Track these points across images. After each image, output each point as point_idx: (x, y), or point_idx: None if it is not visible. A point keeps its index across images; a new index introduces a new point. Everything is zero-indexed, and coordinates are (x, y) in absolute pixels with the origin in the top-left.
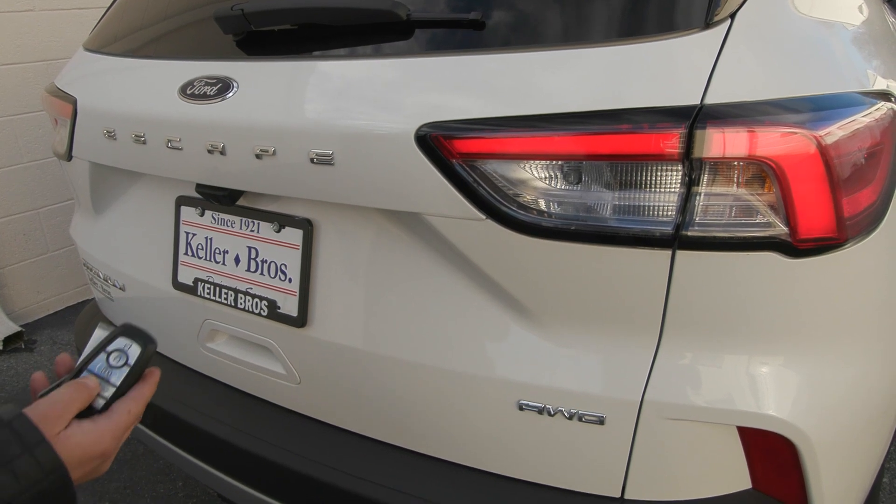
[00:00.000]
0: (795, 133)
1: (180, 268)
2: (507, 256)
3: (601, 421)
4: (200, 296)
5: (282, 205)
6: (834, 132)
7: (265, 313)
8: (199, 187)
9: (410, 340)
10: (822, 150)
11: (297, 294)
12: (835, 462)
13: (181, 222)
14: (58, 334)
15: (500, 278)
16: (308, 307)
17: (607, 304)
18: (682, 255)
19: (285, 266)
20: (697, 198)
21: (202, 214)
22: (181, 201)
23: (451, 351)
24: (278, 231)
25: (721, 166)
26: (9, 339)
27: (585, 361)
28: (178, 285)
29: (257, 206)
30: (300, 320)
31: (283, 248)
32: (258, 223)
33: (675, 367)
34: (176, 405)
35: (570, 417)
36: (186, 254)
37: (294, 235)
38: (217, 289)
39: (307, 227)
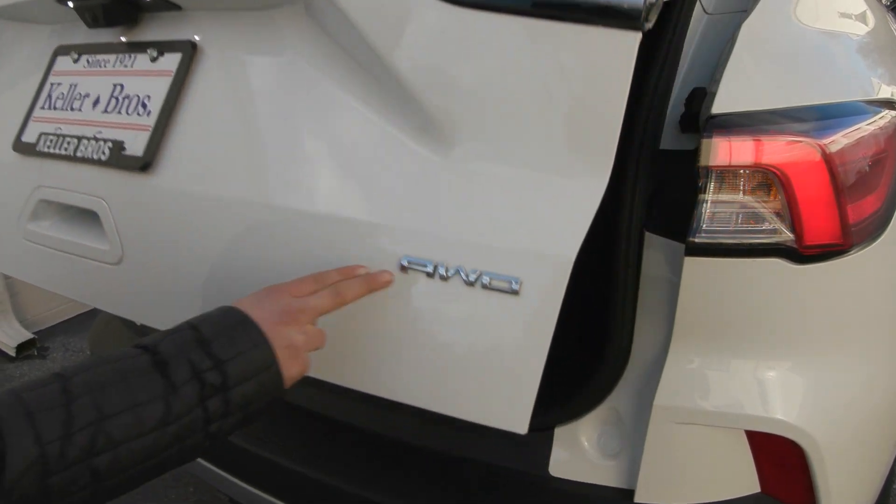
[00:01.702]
0: (800, 141)
1: (29, 125)
2: (415, 34)
3: (514, 289)
4: (39, 152)
5: (168, 31)
6: (838, 140)
7: (105, 157)
8: None
9: (279, 179)
10: (827, 158)
11: (151, 129)
12: (843, 466)
13: (51, 73)
14: (70, 341)
15: (402, 65)
16: (160, 145)
17: (545, 107)
18: (690, 262)
19: (148, 98)
20: (704, 205)
21: (76, 60)
22: (59, 51)
23: (326, 189)
24: (155, 59)
25: (727, 174)
26: (21, 347)
27: (498, 198)
28: (17, 146)
29: (139, 39)
30: (144, 161)
31: (154, 77)
32: (135, 56)
33: (684, 372)
34: None
35: (472, 283)
36: (43, 107)
37: (171, 61)
38: (60, 140)
39: (189, 50)
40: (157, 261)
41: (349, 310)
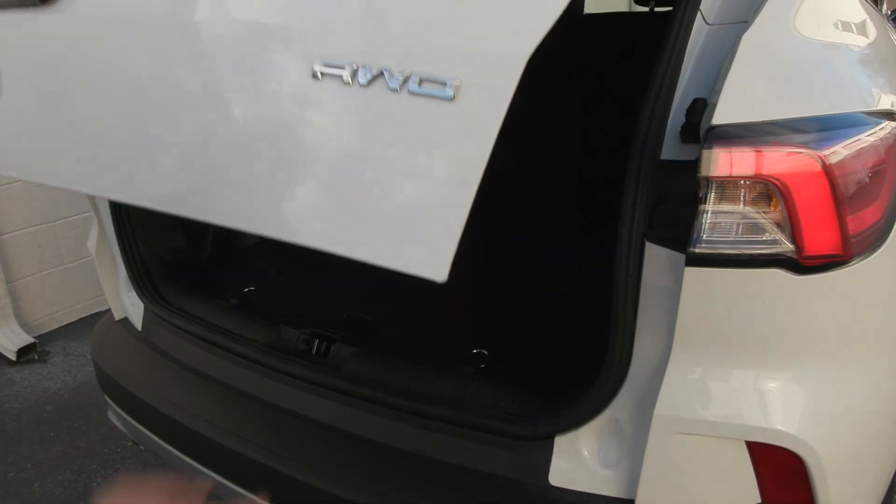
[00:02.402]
0: (800, 153)
1: None
2: None
3: (447, 94)
4: None
5: None
6: (839, 151)
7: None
8: None
9: None
10: (827, 169)
11: None
12: (843, 477)
13: None
14: (71, 345)
15: None
16: None
17: None
18: (690, 272)
19: None
20: (705, 215)
21: None
22: None
23: None
24: None
25: (727, 185)
26: (22, 351)
27: None
28: None
29: None
30: None
31: None
32: None
33: (685, 382)
34: (191, 418)
35: (397, 89)
36: None
37: None
38: None
39: None
40: (35, 102)
41: (251, 134)
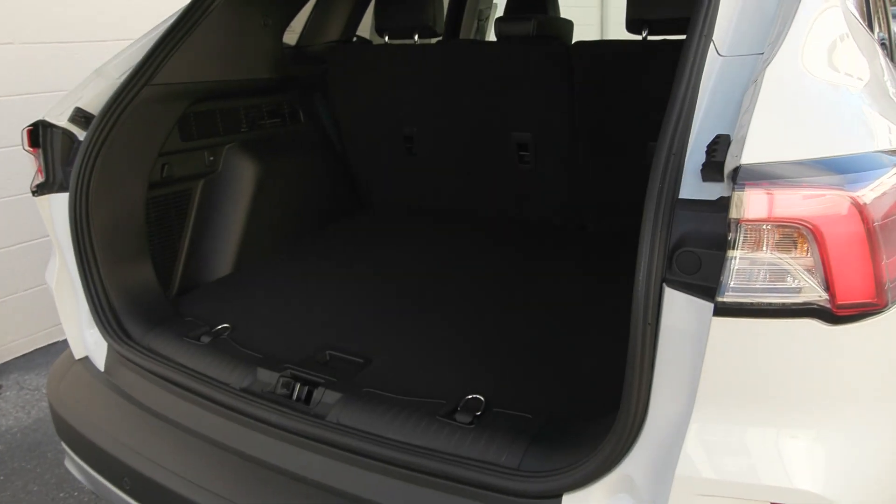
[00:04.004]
0: (833, 194)
1: None
2: None
3: None
4: None
5: None
6: (868, 193)
7: None
8: None
9: None
10: (861, 210)
11: None
12: None
13: None
14: (25, 378)
15: None
16: None
17: None
18: (718, 322)
19: None
20: (734, 261)
21: None
22: None
23: None
24: None
25: (759, 229)
26: None
27: None
28: None
29: None
30: None
31: None
32: None
33: (709, 440)
34: (157, 470)
35: None
36: None
37: None
38: None
39: None
40: None
41: None
